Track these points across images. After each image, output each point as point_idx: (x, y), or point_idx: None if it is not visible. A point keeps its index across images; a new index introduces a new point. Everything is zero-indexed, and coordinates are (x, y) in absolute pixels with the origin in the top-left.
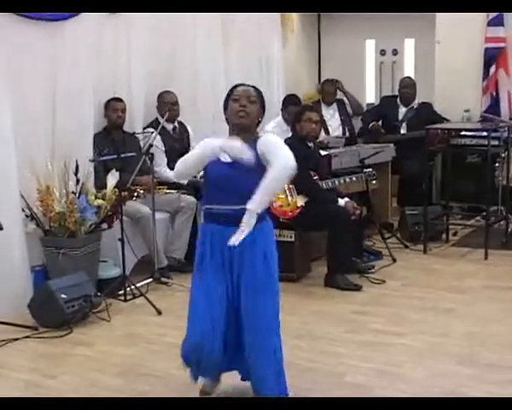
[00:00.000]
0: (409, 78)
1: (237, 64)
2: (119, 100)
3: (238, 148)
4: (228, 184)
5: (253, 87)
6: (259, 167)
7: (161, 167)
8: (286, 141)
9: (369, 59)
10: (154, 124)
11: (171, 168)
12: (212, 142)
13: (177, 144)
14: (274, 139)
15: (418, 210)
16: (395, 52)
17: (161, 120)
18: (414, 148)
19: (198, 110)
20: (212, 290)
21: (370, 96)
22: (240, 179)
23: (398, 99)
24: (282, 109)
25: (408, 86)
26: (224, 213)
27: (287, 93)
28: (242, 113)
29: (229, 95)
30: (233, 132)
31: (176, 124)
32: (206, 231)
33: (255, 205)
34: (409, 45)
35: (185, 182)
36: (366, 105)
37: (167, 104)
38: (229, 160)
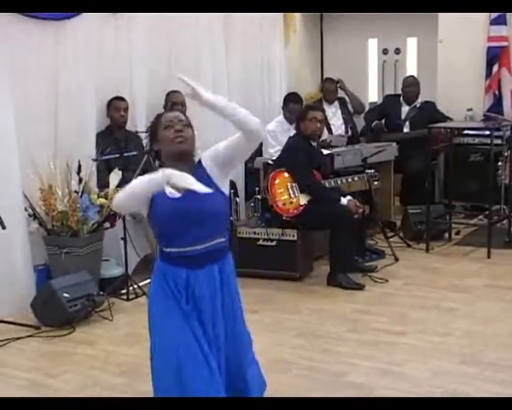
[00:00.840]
0: (412, 76)
1: (239, 64)
2: (122, 99)
3: (188, 179)
4: (201, 216)
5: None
6: (217, 191)
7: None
8: (289, 140)
9: (372, 58)
10: None
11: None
12: (154, 176)
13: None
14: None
15: (421, 209)
16: (398, 51)
17: None
18: (417, 147)
19: (200, 110)
20: (198, 333)
21: (373, 95)
22: (212, 209)
23: (401, 98)
24: (282, 108)
25: (411, 85)
26: (205, 253)
27: (287, 93)
28: (180, 138)
29: (155, 124)
30: (171, 165)
31: None
32: (179, 276)
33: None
34: (411, 44)
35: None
36: (369, 104)
37: (174, 104)
38: (177, 195)
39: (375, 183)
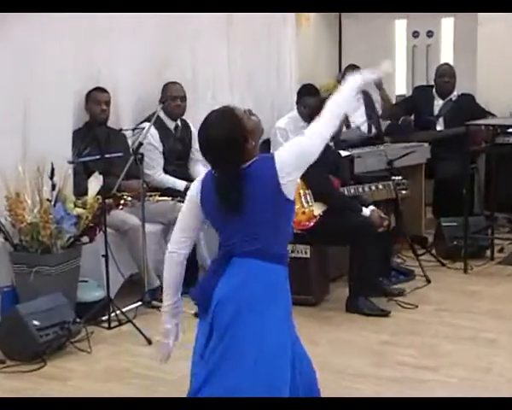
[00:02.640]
0: (447, 65)
1: (243, 52)
2: (103, 90)
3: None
4: None
5: None
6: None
7: (155, 170)
8: None
9: (400, 42)
10: (156, 120)
11: (168, 172)
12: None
13: (179, 145)
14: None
15: (457, 221)
16: (430, 34)
17: (159, 112)
18: (452, 147)
19: (197, 104)
20: None
21: (401, 87)
22: None
23: (434, 90)
24: (296, 102)
25: (446, 75)
26: None
27: (302, 84)
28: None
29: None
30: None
31: (179, 122)
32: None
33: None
34: (447, 26)
35: (182, 188)
36: (396, 97)
37: (175, 99)
38: None
39: (403, 191)
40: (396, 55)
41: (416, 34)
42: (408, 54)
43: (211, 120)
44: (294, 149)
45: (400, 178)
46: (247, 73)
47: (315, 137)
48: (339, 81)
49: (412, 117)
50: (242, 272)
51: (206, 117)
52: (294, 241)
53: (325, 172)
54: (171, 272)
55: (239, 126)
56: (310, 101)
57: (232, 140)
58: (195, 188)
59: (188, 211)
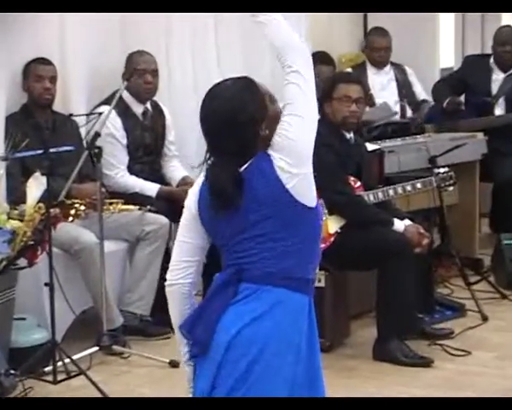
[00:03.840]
0: (509, 27)
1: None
2: (47, 62)
3: None
4: None
5: None
6: None
7: (117, 170)
8: None
9: None
10: (118, 102)
11: (134, 172)
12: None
13: (148, 136)
14: None
15: None
16: None
17: (122, 91)
18: None
19: (173, 82)
20: None
21: (447, 58)
22: None
23: (492, 60)
24: None
25: (508, 41)
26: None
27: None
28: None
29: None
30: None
31: (148, 106)
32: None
33: None
34: None
35: (153, 194)
36: (440, 71)
37: (141, 73)
38: None
39: (451, 188)
40: (440, 16)
41: None
42: (456, 15)
43: (221, 88)
44: (294, 126)
45: (446, 170)
46: (241, 37)
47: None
48: (363, 50)
49: (462, 98)
50: (257, 303)
51: (216, 84)
52: None
53: (343, 172)
54: (179, 311)
55: (259, 104)
56: (323, 70)
57: (247, 119)
58: (192, 197)
59: (186, 228)
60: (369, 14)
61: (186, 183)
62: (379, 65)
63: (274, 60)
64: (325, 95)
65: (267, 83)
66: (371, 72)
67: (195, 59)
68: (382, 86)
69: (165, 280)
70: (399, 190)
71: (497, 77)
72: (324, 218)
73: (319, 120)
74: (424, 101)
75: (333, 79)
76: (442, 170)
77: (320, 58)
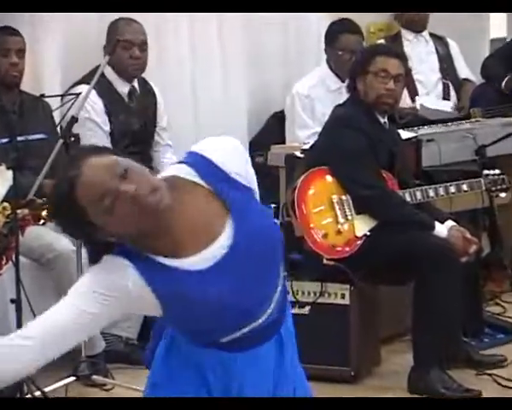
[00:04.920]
0: None
1: None
2: (14, 33)
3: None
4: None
5: None
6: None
7: None
8: (336, 111)
9: None
10: (99, 81)
11: None
12: None
13: (136, 121)
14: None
15: None
16: None
17: (104, 67)
18: None
19: (165, 56)
20: None
21: (499, 27)
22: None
23: None
24: (325, 49)
25: None
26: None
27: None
28: None
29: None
30: None
31: (135, 84)
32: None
33: None
34: None
35: None
36: (490, 43)
37: (127, 45)
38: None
39: (503, 194)
40: None
41: None
42: None
43: None
44: None
45: (498, 172)
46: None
47: None
48: (396, 17)
49: None
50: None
51: None
52: (324, 277)
53: (374, 163)
54: None
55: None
56: (349, 41)
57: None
58: None
59: None
60: None
61: None
62: (417, 27)
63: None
64: (359, 68)
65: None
66: (407, 40)
67: (193, 29)
68: (420, 59)
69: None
70: (441, 192)
71: None
72: (350, 218)
73: (350, 99)
74: (466, 80)
75: (370, 50)
76: (492, 172)
77: (345, 26)
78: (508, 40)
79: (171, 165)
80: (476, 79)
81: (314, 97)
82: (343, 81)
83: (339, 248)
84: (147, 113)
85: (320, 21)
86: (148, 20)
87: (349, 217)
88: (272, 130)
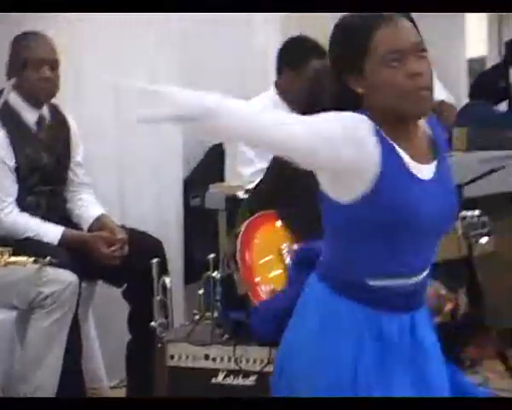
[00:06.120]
0: None
1: None
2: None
3: None
4: (441, 224)
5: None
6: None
7: (2, 204)
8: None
9: None
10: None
11: (26, 208)
12: None
13: (45, 155)
14: None
15: None
16: None
17: (8, 95)
18: None
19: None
20: None
21: (476, 46)
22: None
23: None
24: (278, 71)
25: None
26: (422, 285)
27: (290, 36)
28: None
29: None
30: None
31: (45, 112)
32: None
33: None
34: None
35: (55, 240)
36: (468, 63)
37: (36, 65)
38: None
39: (483, 240)
40: None
41: None
42: None
43: None
44: None
45: (477, 213)
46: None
47: None
48: None
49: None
50: None
51: None
52: (273, 342)
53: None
54: None
55: None
56: (318, 66)
57: None
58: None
59: None
60: None
61: (102, 225)
62: None
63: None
64: (313, 99)
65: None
66: None
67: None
68: None
69: (76, 363)
70: None
71: None
72: None
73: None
74: (444, 102)
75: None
76: (470, 213)
77: (299, 47)
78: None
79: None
80: (456, 100)
81: None
82: (292, 106)
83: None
84: (58, 145)
85: (268, 38)
86: (63, 35)
87: None
88: (210, 166)
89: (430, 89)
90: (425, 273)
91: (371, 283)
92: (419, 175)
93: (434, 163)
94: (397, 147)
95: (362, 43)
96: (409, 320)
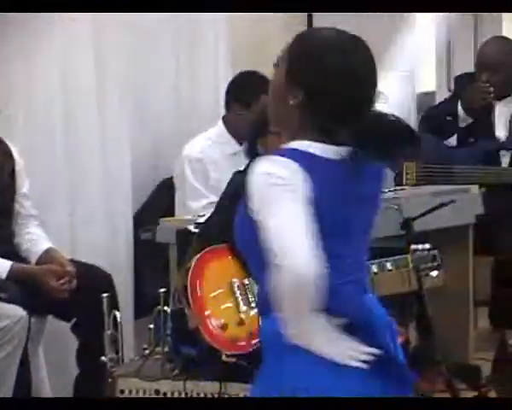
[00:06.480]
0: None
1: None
2: None
3: None
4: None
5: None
6: None
7: None
8: (235, 178)
9: None
10: None
11: None
12: None
13: None
14: None
15: None
16: None
17: None
18: None
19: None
20: None
21: (427, 80)
22: None
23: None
24: (227, 104)
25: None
26: None
27: (240, 71)
28: None
29: None
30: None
31: None
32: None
33: None
34: None
35: (2, 274)
36: (417, 97)
37: None
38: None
39: (434, 273)
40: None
41: None
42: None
43: None
44: None
45: (427, 247)
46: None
47: None
48: None
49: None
50: None
51: None
52: (224, 376)
53: None
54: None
55: None
56: (264, 100)
57: None
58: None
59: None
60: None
61: (51, 258)
62: None
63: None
64: (259, 128)
65: None
66: None
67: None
68: None
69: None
70: None
71: (501, 110)
72: (254, 305)
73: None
74: None
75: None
76: (421, 246)
77: (248, 83)
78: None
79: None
80: None
81: (207, 162)
82: (240, 142)
83: (241, 343)
84: (3, 177)
85: (217, 71)
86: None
87: (252, 304)
88: (161, 200)
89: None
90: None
91: None
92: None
93: None
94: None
95: None
96: None
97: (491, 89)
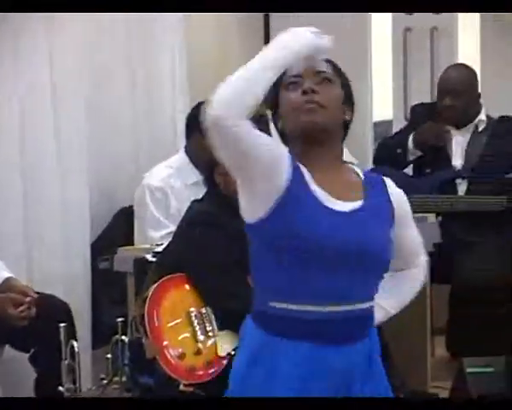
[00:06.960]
0: (461, 65)
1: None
2: None
3: None
4: (359, 257)
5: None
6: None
7: None
8: (193, 207)
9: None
10: None
11: None
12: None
13: None
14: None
15: (495, 365)
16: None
17: None
18: (488, 221)
19: None
20: None
21: (383, 108)
22: (377, 244)
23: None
24: (187, 136)
25: (450, 91)
26: (345, 318)
27: (198, 101)
28: (311, 104)
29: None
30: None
31: None
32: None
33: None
34: None
35: None
36: (374, 125)
37: None
38: (343, 208)
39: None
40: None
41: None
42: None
43: None
44: None
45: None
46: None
47: None
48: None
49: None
50: None
51: None
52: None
53: (237, 269)
54: None
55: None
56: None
57: None
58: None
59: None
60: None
61: (10, 287)
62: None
63: None
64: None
65: None
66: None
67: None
68: None
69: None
70: None
71: (457, 139)
72: (211, 334)
73: (209, 192)
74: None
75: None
76: None
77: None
78: (394, 124)
79: None
80: (361, 165)
81: (168, 191)
82: (201, 171)
83: (199, 372)
84: None
85: (176, 100)
86: None
87: (210, 333)
88: (118, 229)
89: (321, 105)
90: (360, 305)
91: (278, 306)
92: (327, 204)
93: (358, 202)
94: (307, 175)
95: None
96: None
97: (447, 128)
